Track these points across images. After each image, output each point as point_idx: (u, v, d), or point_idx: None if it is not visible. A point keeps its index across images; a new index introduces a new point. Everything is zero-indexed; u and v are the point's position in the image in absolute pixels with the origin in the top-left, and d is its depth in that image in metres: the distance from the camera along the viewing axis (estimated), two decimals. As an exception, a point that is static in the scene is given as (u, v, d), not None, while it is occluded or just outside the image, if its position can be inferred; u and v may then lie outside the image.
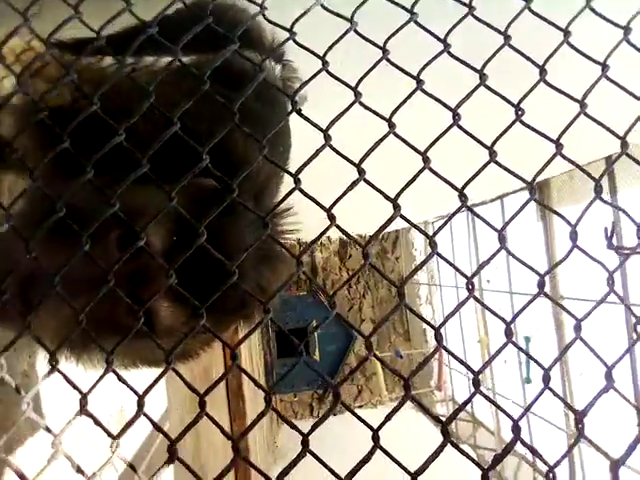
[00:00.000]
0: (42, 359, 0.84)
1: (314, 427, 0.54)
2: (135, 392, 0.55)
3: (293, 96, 0.66)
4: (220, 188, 0.68)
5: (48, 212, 0.59)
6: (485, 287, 7.62)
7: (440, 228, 0.62)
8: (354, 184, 0.59)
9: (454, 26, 0.72)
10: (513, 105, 0.69)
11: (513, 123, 0.68)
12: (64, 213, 0.59)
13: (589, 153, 3.37)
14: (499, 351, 0.57)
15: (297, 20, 0.72)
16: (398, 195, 0.58)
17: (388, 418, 0.54)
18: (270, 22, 0.74)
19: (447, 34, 0.71)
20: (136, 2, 0.75)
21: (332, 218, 0.58)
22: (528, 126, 0.68)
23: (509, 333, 0.59)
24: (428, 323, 0.60)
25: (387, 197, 0.57)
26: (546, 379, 0.60)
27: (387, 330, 8.97)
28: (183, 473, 0.56)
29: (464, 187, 0.58)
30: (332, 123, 0.63)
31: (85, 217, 0.60)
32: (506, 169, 0.59)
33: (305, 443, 0.51)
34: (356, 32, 0.69)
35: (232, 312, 0.81)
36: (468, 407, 8.63)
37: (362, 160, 0.61)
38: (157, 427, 0.56)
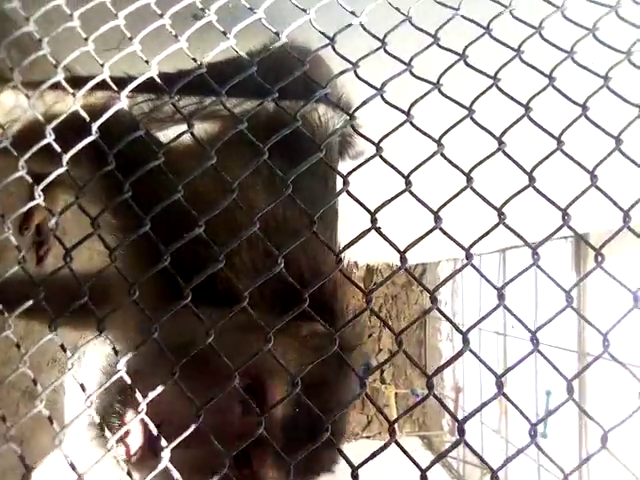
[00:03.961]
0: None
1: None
2: None
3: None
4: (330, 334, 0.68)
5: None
6: (509, 333, 7.45)
7: (441, 284, 0.64)
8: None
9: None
10: (554, 137, 0.69)
11: (553, 152, 0.68)
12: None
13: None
14: (484, 404, 0.58)
15: (387, 82, 0.76)
16: (408, 249, 0.60)
17: (371, 458, 0.56)
18: (360, 79, 0.77)
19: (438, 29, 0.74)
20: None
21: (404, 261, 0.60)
22: (568, 156, 0.68)
23: (500, 385, 0.60)
24: (424, 371, 0.62)
25: (397, 249, 0.60)
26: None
27: (403, 363, 8.82)
28: None
29: (471, 246, 0.60)
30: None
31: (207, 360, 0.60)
32: (517, 235, 0.61)
33: None
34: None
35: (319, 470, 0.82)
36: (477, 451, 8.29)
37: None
38: None
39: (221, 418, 0.63)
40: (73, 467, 0.61)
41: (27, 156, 0.81)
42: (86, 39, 0.85)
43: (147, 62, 0.80)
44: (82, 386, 0.66)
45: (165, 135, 1.22)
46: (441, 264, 9.09)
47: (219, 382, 0.59)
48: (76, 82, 0.86)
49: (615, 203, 0.62)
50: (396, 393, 8.62)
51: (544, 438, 6.58)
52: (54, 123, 0.77)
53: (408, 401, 9.15)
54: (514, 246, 6.65)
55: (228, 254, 0.63)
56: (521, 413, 0.59)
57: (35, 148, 0.78)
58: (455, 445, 0.59)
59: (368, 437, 9.17)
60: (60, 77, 0.81)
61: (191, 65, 0.86)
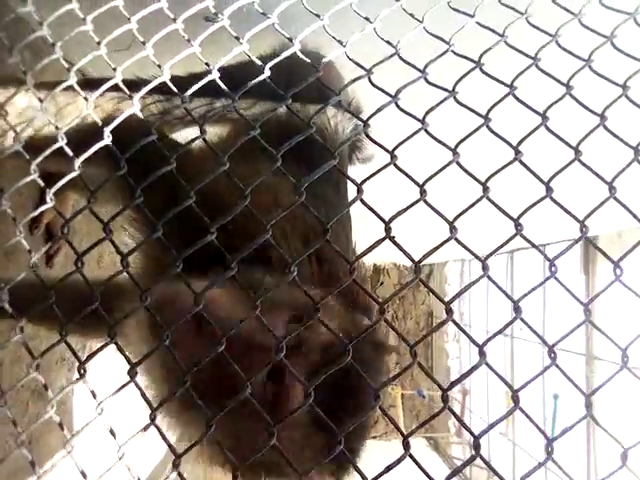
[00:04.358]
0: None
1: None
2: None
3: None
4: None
5: None
6: (517, 335, 7.41)
7: (456, 297, 0.64)
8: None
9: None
10: (572, 147, 0.68)
11: (570, 163, 0.67)
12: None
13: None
14: (500, 419, 0.57)
15: (402, 89, 0.76)
16: (423, 259, 0.60)
17: (385, 471, 0.55)
18: (375, 86, 0.77)
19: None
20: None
21: (418, 270, 0.61)
22: (586, 166, 0.67)
23: (516, 399, 0.59)
24: (439, 385, 0.61)
25: (411, 259, 0.59)
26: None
27: (410, 364, 8.79)
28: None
29: (487, 257, 0.59)
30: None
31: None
32: (533, 244, 0.60)
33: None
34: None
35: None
36: (484, 454, 8.30)
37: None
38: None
39: (266, 336, 0.68)
40: (84, 475, 0.61)
41: (39, 159, 0.81)
42: (99, 43, 0.85)
43: (159, 66, 0.80)
44: (93, 393, 0.66)
45: (179, 136, 1.22)
46: (448, 264, 9.07)
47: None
48: (89, 84, 0.87)
49: (635, 216, 0.61)
50: (402, 394, 8.61)
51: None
52: (65, 128, 0.77)
53: (414, 402, 9.14)
54: (522, 248, 6.62)
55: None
56: (538, 428, 0.59)
57: (48, 151, 0.78)
58: (470, 461, 0.58)
59: (374, 437, 9.17)
60: (73, 81, 0.81)
61: (202, 67, 0.85)
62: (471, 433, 0.56)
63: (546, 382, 6.29)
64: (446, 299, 0.60)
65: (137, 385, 0.64)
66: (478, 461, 0.60)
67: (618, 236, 5.48)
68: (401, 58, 0.78)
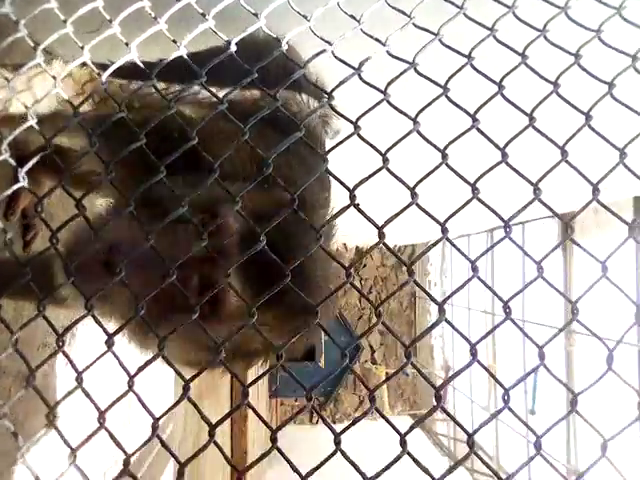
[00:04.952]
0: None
1: (278, 427, 0.59)
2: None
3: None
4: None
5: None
6: (497, 312, 7.56)
7: (418, 258, 0.67)
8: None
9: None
10: (526, 114, 0.71)
11: (525, 129, 0.70)
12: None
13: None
14: (457, 373, 0.61)
15: (364, 62, 0.77)
16: (385, 225, 0.62)
17: (349, 427, 0.59)
18: (338, 59, 0.79)
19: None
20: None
21: (381, 236, 0.63)
22: (540, 132, 0.70)
23: (474, 353, 0.63)
24: (402, 342, 0.64)
25: (375, 225, 0.62)
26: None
27: (394, 343, 8.95)
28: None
29: (446, 221, 0.62)
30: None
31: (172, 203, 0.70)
32: (487, 206, 0.63)
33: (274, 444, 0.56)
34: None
35: (292, 313, 0.86)
36: (468, 429, 8.55)
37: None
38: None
39: (179, 247, 0.71)
40: (68, 445, 0.63)
41: (8, 141, 0.81)
42: (65, 21, 0.85)
43: (127, 44, 0.81)
44: (72, 363, 0.68)
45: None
46: (430, 244, 9.19)
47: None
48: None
49: (584, 176, 0.64)
50: (387, 373, 8.76)
51: (532, 415, 6.75)
52: (35, 106, 0.78)
53: (399, 380, 9.31)
54: (501, 226, 6.74)
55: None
56: (493, 378, 0.62)
57: (17, 131, 0.79)
58: (432, 411, 0.61)
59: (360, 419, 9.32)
60: (40, 59, 0.81)
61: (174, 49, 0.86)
62: (432, 385, 0.60)
63: (527, 356, 6.46)
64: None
65: (115, 355, 0.66)
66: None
67: (594, 212, 5.60)
68: (364, 32, 0.80)
